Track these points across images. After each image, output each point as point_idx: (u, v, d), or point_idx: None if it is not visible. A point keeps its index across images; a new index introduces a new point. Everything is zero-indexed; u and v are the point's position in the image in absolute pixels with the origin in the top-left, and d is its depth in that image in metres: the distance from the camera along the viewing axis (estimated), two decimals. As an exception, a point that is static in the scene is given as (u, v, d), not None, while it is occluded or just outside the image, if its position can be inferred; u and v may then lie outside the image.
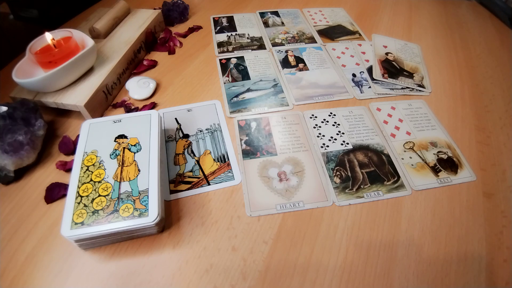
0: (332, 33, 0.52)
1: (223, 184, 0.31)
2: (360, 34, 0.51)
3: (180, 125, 0.36)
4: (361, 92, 0.41)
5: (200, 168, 0.32)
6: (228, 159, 0.33)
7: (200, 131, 0.36)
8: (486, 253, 0.27)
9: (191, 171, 0.32)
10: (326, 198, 0.30)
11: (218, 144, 0.35)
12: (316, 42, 0.50)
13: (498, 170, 0.33)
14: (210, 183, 0.31)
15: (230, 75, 0.44)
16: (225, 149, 0.34)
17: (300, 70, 0.45)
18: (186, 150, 0.34)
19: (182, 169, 0.32)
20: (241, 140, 0.35)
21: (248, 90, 0.41)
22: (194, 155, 0.33)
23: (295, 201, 0.30)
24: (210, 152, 0.34)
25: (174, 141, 0.35)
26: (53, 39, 0.37)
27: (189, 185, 0.31)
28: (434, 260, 0.26)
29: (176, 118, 0.37)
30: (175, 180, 0.31)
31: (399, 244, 0.27)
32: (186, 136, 0.35)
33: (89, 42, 0.37)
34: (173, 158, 0.33)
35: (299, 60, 0.46)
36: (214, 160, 0.33)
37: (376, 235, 0.28)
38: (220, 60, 0.46)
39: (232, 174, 0.32)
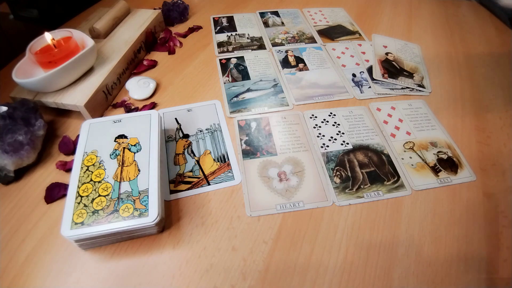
0: (332, 33, 0.52)
1: (223, 184, 0.31)
2: (360, 34, 0.51)
3: (180, 125, 0.36)
4: (361, 92, 0.41)
5: (200, 168, 0.32)
6: (228, 159, 0.33)
7: (200, 131, 0.36)
8: (486, 253, 0.27)
9: (191, 171, 0.32)
10: (326, 198, 0.30)
11: (218, 144, 0.35)
12: (316, 42, 0.50)
13: (498, 170, 0.33)
14: (210, 183, 0.31)
15: (230, 75, 0.44)
16: (225, 149, 0.34)
17: (300, 70, 0.45)
18: (186, 150, 0.34)
19: (182, 169, 0.32)
20: (241, 140, 0.35)
21: (248, 90, 0.41)
22: (194, 155, 0.33)
23: (295, 201, 0.30)
24: (210, 152, 0.34)
25: (174, 141, 0.35)
26: (53, 39, 0.37)
27: (189, 185, 0.31)
28: (434, 260, 0.26)
29: (176, 118, 0.37)
30: (175, 180, 0.31)
31: (399, 244, 0.27)
32: (186, 136, 0.35)
33: (89, 42, 0.37)
34: (173, 158, 0.33)
35: (299, 60, 0.46)
36: (214, 160, 0.33)
37: (376, 235, 0.28)
38: (220, 60, 0.46)
39: (232, 174, 0.32)
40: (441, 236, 0.28)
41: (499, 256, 0.27)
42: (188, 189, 0.31)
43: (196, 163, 0.33)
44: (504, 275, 0.26)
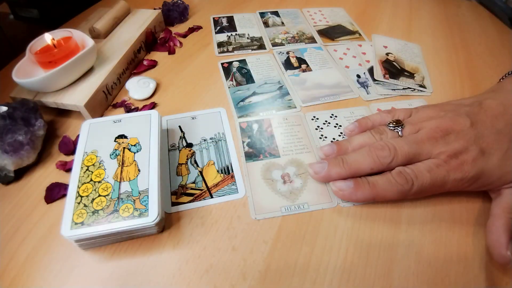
0: (332, 33, 0.52)
1: (226, 198, 0.30)
2: (360, 34, 0.51)
3: (183, 134, 0.36)
4: (367, 93, 0.41)
5: (203, 179, 0.32)
6: (232, 171, 0.32)
7: (204, 140, 0.35)
8: (486, 253, 0.27)
9: (193, 182, 0.31)
10: (331, 199, 0.30)
11: (222, 154, 0.34)
12: (316, 42, 0.50)
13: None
14: (213, 196, 0.30)
15: (234, 79, 0.43)
16: (229, 160, 0.33)
17: (304, 71, 0.44)
18: (189, 160, 0.33)
19: (184, 180, 0.32)
20: (243, 142, 0.35)
21: (254, 93, 0.41)
22: (198, 165, 0.33)
23: (300, 203, 0.30)
24: (214, 163, 0.33)
25: (177, 150, 0.34)
26: (53, 39, 0.37)
27: (191, 197, 0.30)
28: (434, 260, 0.26)
29: (180, 126, 0.36)
30: (177, 192, 0.31)
31: (399, 244, 0.27)
32: (190, 145, 0.34)
33: (89, 42, 0.37)
34: (176, 168, 0.33)
35: (301, 61, 0.46)
36: (217, 171, 0.32)
37: (376, 235, 0.28)
38: (222, 64, 0.46)
39: (236, 187, 0.31)
40: (441, 236, 0.28)
41: (499, 256, 0.27)
42: (190, 201, 0.30)
43: (199, 174, 0.32)
44: (504, 275, 0.26)
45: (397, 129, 0.31)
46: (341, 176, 0.29)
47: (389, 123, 0.32)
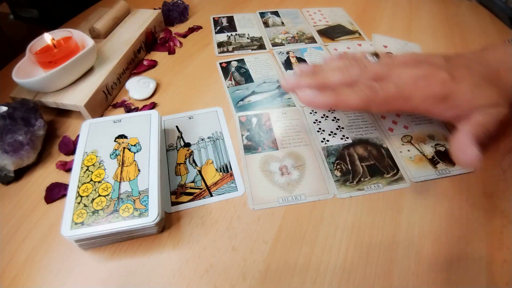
0: (332, 33, 0.52)
1: (226, 196, 0.30)
2: (360, 34, 0.51)
3: (181, 133, 0.36)
4: None
5: (202, 178, 0.32)
6: (231, 169, 0.32)
7: (202, 139, 0.35)
8: (486, 253, 0.27)
9: (193, 181, 0.31)
10: (327, 191, 0.31)
11: (221, 153, 0.34)
12: (316, 42, 0.50)
13: (498, 169, 0.33)
14: (213, 195, 0.30)
15: (233, 79, 0.43)
16: (227, 159, 0.33)
17: (303, 71, 0.44)
18: (187, 159, 0.33)
19: (183, 180, 0.32)
20: (242, 135, 0.36)
21: (253, 92, 0.41)
22: (196, 164, 0.33)
23: (297, 194, 0.30)
24: (213, 161, 0.33)
25: (175, 150, 0.34)
26: (53, 39, 0.37)
27: (191, 197, 0.30)
28: (434, 260, 0.26)
29: (177, 126, 0.36)
30: (177, 192, 0.31)
31: (399, 244, 0.27)
32: (188, 145, 0.35)
33: (89, 42, 0.37)
34: (174, 168, 0.33)
35: (301, 61, 0.46)
36: (216, 170, 0.32)
37: (376, 234, 0.28)
38: (221, 63, 0.46)
39: (235, 185, 0.31)
40: (441, 236, 0.28)
41: (499, 256, 0.27)
42: (190, 200, 0.30)
43: (198, 173, 0.32)
44: (504, 275, 0.26)
45: (373, 58, 0.32)
46: (310, 85, 0.30)
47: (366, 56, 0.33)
